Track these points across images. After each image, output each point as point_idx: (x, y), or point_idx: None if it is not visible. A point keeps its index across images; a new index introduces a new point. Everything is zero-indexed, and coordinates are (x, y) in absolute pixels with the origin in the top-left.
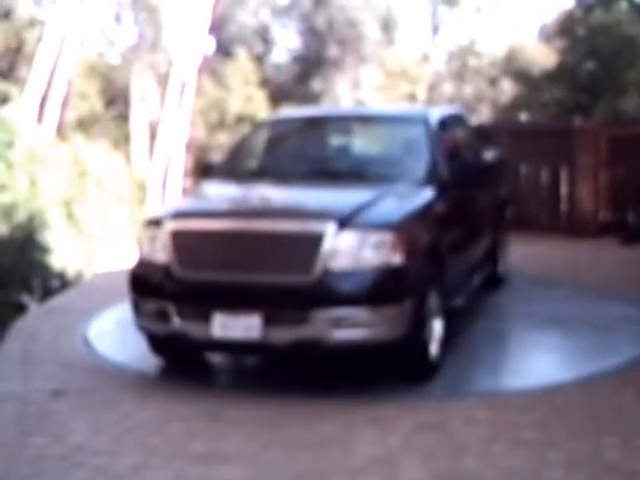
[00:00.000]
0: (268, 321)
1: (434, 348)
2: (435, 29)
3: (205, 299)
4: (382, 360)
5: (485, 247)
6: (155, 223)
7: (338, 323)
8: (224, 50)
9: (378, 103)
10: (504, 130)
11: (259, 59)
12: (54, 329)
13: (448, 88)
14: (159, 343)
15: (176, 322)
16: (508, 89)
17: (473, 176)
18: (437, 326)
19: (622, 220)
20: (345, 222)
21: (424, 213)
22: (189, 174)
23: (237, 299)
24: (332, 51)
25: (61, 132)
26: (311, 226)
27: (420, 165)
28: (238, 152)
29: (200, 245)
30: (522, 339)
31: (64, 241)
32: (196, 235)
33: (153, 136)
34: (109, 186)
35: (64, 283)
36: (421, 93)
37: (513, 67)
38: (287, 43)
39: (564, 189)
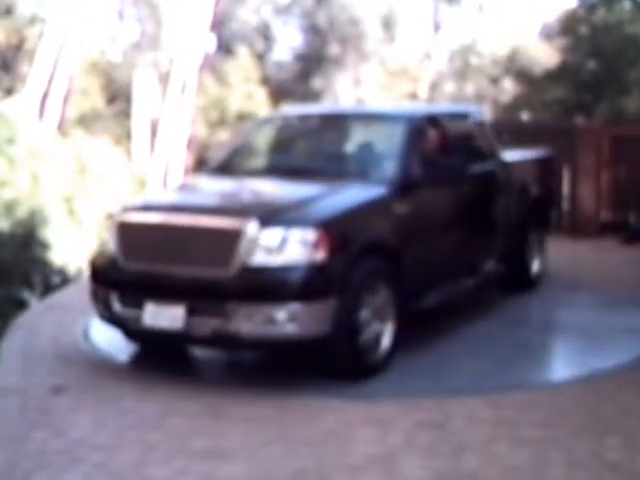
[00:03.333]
0: (192, 312)
1: (383, 345)
2: (436, 27)
3: (140, 289)
4: (314, 356)
5: (490, 248)
6: (111, 216)
7: (254, 318)
8: (225, 48)
9: (378, 101)
10: (505, 129)
11: (260, 57)
12: (55, 325)
13: (450, 87)
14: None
15: (118, 309)
16: (510, 88)
17: (466, 175)
18: (384, 324)
19: (623, 220)
20: (268, 219)
21: (367, 211)
22: (190, 171)
23: (166, 290)
24: (333, 49)
25: (62, 128)
26: (230, 223)
27: (385, 163)
28: (225, 150)
29: (139, 237)
30: (504, 342)
31: (65, 237)
32: (137, 228)
33: (154, 133)
34: (110, 182)
35: (65, 279)
36: (422, 91)
37: (515, 66)
38: (288, 41)
39: (566, 189)
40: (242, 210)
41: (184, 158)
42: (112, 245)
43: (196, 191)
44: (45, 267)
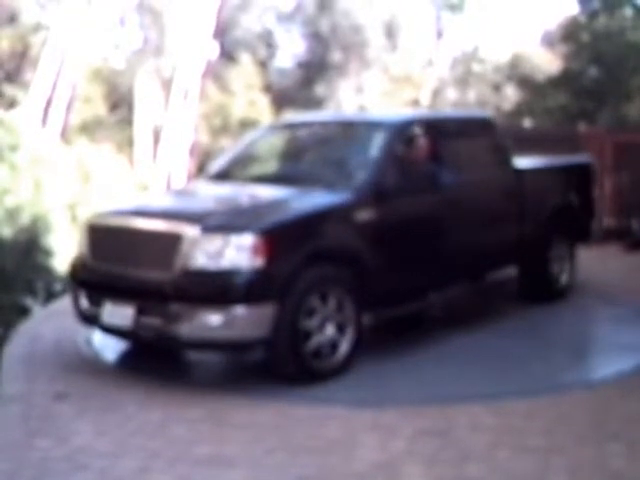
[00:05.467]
0: (140, 313)
1: (341, 351)
2: (439, 34)
3: (100, 287)
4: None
5: (495, 257)
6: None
7: (193, 320)
8: (228, 55)
9: (380, 108)
10: (508, 136)
11: (263, 64)
12: (57, 331)
13: (452, 93)
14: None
15: (86, 307)
16: (512, 95)
17: (459, 183)
18: (343, 330)
19: (626, 226)
20: (208, 225)
21: (320, 217)
22: (192, 178)
23: (120, 290)
24: (336, 56)
25: (65, 135)
26: (172, 227)
27: (356, 170)
28: (219, 158)
29: (103, 239)
30: (490, 353)
31: (68, 244)
32: (101, 230)
33: (157, 140)
34: (113, 189)
35: (67, 286)
36: (425, 98)
37: (517, 73)
38: (291, 48)
39: None
40: (187, 215)
41: (187, 165)
42: (83, 247)
43: (172, 197)
44: (48, 274)
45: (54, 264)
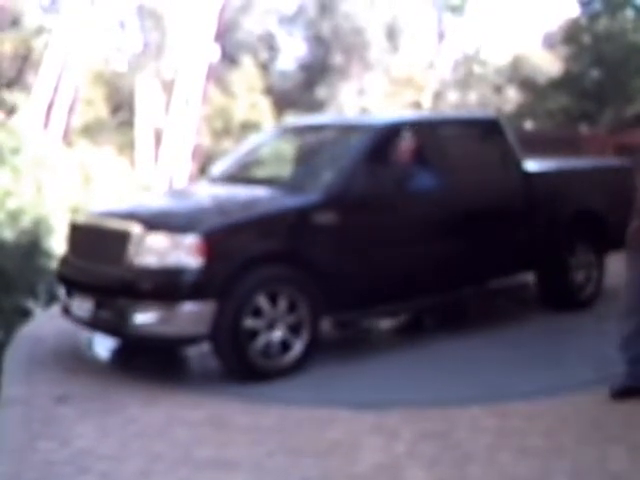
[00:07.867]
0: (98, 306)
1: (294, 352)
2: (440, 36)
3: (73, 282)
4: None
5: (499, 262)
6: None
7: (136, 315)
8: (229, 57)
9: (381, 110)
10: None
11: (264, 66)
12: (59, 334)
13: (453, 95)
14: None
15: (64, 300)
16: (513, 97)
17: (450, 186)
18: (297, 331)
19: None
20: (152, 224)
21: (272, 219)
22: (194, 180)
23: (85, 284)
24: (337, 58)
25: (67, 138)
26: (124, 226)
27: (325, 172)
28: (217, 161)
29: (80, 237)
30: (457, 355)
31: None
32: (79, 229)
33: (158, 143)
34: (114, 192)
35: None
36: (426, 101)
37: (518, 75)
38: (292, 50)
39: None
40: (141, 215)
41: (188, 167)
42: (67, 244)
43: (156, 198)
44: (50, 276)
45: (55, 266)
